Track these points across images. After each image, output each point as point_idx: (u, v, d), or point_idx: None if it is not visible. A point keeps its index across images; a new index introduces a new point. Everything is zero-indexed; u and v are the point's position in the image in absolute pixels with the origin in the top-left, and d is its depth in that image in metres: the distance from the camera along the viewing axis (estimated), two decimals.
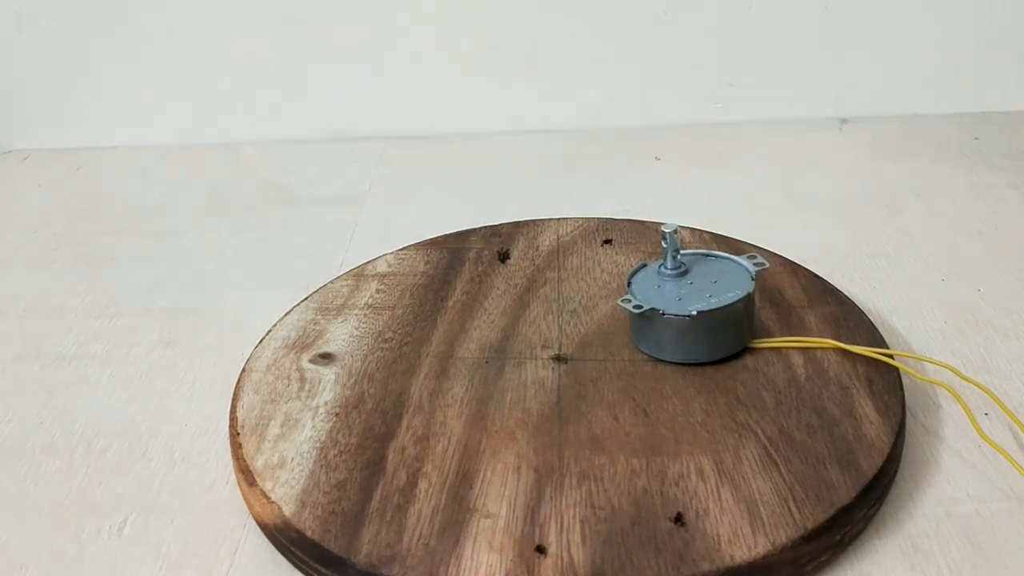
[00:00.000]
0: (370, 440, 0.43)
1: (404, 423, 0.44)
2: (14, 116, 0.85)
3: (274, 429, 0.44)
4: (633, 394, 0.45)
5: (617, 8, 0.79)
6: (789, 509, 0.37)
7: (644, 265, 0.49)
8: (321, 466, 0.41)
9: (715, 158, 0.76)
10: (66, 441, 0.48)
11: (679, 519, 0.37)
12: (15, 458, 0.47)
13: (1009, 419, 0.44)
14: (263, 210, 0.72)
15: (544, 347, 0.49)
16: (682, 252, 0.49)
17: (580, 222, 0.61)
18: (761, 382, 0.45)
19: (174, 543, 0.41)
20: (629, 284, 0.48)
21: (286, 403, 0.46)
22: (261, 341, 0.51)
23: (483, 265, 0.57)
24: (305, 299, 0.54)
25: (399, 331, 0.51)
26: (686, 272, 0.48)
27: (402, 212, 0.70)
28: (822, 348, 0.47)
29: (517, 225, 0.61)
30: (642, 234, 0.59)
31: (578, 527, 0.37)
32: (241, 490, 0.42)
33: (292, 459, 0.42)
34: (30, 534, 0.42)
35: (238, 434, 0.44)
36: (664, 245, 0.48)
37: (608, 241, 0.59)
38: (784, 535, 0.36)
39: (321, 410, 0.45)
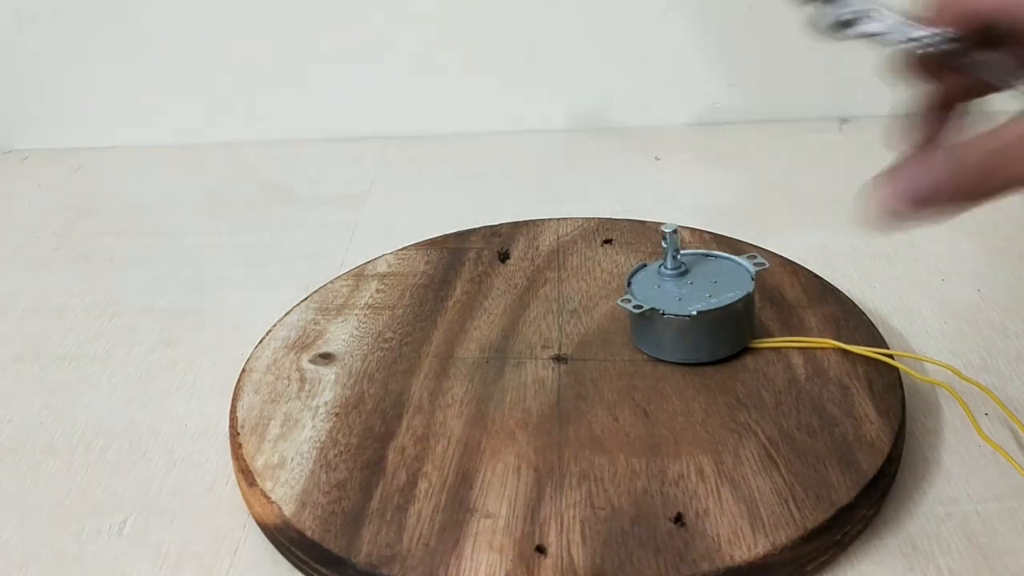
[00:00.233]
0: (370, 440, 0.43)
1: (404, 423, 0.44)
2: (14, 116, 0.86)
3: (274, 429, 0.44)
4: (633, 394, 0.45)
5: (617, 8, 0.79)
6: (789, 509, 0.37)
7: (644, 265, 0.49)
8: (321, 466, 0.41)
9: (715, 158, 0.76)
10: (66, 441, 0.48)
11: (679, 519, 0.37)
12: (15, 458, 0.47)
13: (1009, 419, 0.44)
14: (263, 210, 0.72)
15: (544, 347, 0.49)
16: (682, 252, 0.48)
17: (580, 222, 0.61)
18: (761, 382, 0.45)
19: (174, 543, 0.41)
20: (629, 284, 0.48)
21: (286, 403, 0.46)
22: (261, 341, 0.51)
23: (483, 265, 0.57)
24: (305, 299, 0.54)
25: (399, 331, 0.51)
26: (686, 272, 0.48)
27: (402, 212, 0.71)
28: (822, 348, 0.47)
29: (517, 225, 0.61)
30: (642, 234, 0.59)
31: (578, 527, 0.37)
32: (241, 490, 0.42)
33: (292, 459, 0.42)
34: (30, 534, 0.42)
35: (238, 434, 0.44)
36: (664, 245, 0.47)
37: (608, 241, 0.59)
38: (784, 535, 0.36)
39: (321, 410, 0.45)
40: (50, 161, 0.83)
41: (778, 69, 0.80)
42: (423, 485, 0.40)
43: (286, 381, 0.47)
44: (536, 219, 0.62)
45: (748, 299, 0.46)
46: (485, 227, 0.61)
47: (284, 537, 0.39)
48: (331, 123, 0.84)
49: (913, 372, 0.46)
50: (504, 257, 0.58)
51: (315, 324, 0.52)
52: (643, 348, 0.47)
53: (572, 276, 0.55)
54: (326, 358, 0.49)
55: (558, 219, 0.62)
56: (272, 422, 0.44)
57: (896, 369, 0.46)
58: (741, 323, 0.46)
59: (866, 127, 0.79)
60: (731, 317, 0.45)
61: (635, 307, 0.46)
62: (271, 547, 0.40)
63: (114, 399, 0.51)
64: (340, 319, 0.52)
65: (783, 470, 0.39)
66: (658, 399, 0.44)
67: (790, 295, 0.52)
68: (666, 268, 0.48)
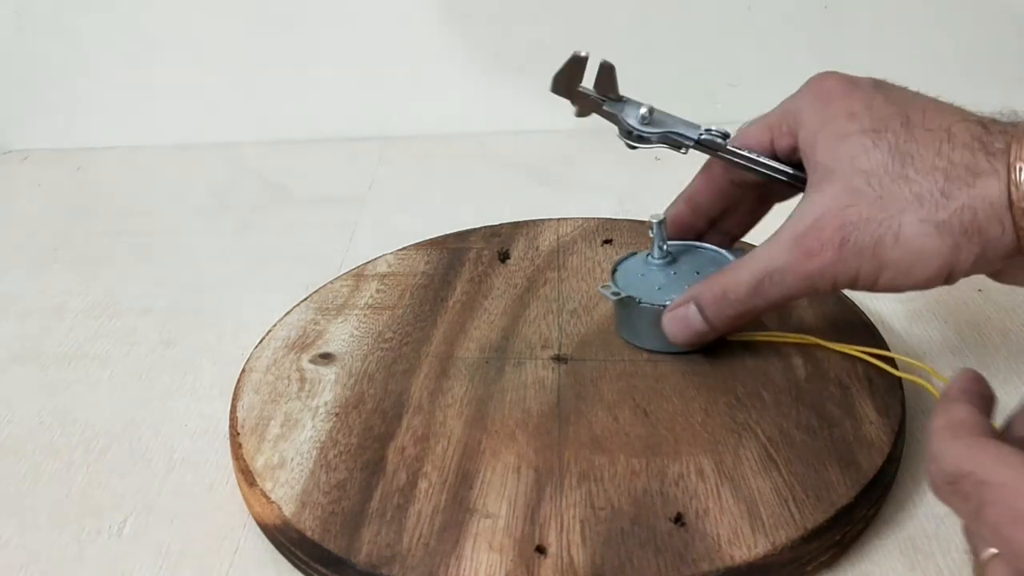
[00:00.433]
0: (370, 440, 0.43)
1: (404, 423, 0.44)
2: (14, 116, 0.86)
3: (274, 429, 0.44)
4: (633, 394, 0.45)
5: (617, 8, 0.79)
6: (789, 509, 0.37)
7: (633, 254, 0.50)
8: (321, 466, 0.41)
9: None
10: (66, 441, 0.48)
11: (679, 519, 0.37)
12: (15, 458, 0.47)
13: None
14: (263, 210, 0.72)
15: (544, 347, 0.49)
16: (671, 243, 0.49)
17: (580, 222, 0.61)
18: (761, 382, 0.45)
19: (174, 543, 0.41)
20: (614, 272, 0.49)
21: (286, 403, 0.46)
22: (261, 341, 0.51)
23: (483, 265, 0.57)
24: (305, 299, 0.54)
25: (399, 331, 0.51)
26: (672, 262, 0.48)
27: (402, 212, 0.71)
28: (802, 343, 0.47)
29: (517, 225, 0.61)
30: (642, 234, 0.59)
31: (578, 527, 0.37)
32: (241, 490, 0.42)
33: (292, 459, 0.42)
34: (30, 534, 0.42)
35: (238, 434, 0.44)
36: (651, 234, 0.48)
37: (608, 241, 0.59)
38: (784, 535, 0.36)
39: (321, 410, 0.45)
40: (50, 161, 0.83)
41: (778, 69, 0.80)
42: (423, 485, 0.40)
43: (286, 381, 0.47)
44: (536, 219, 0.62)
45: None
46: (485, 227, 0.61)
47: (284, 537, 0.39)
48: (331, 123, 0.84)
49: (888, 368, 0.45)
50: (504, 257, 0.58)
51: (315, 324, 0.52)
52: (623, 335, 0.48)
53: (572, 276, 0.55)
54: (326, 358, 0.49)
55: (558, 219, 0.62)
56: (272, 422, 0.44)
57: (896, 369, 0.46)
58: None
59: None
60: None
61: (613, 294, 0.46)
62: (271, 547, 0.40)
63: (114, 399, 0.51)
64: (340, 319, 0.52)
65: (783, 470, 0.39)
66: (658, 399, 0.44)
67: None
68: (652, 258, 0.48)
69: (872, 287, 0.40)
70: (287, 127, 0.84)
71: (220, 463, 0.45)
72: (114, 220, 0.72)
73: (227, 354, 0.52)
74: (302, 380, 0.47)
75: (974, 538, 0.30)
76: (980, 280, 0.56)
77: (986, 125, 0.38)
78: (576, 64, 0.47)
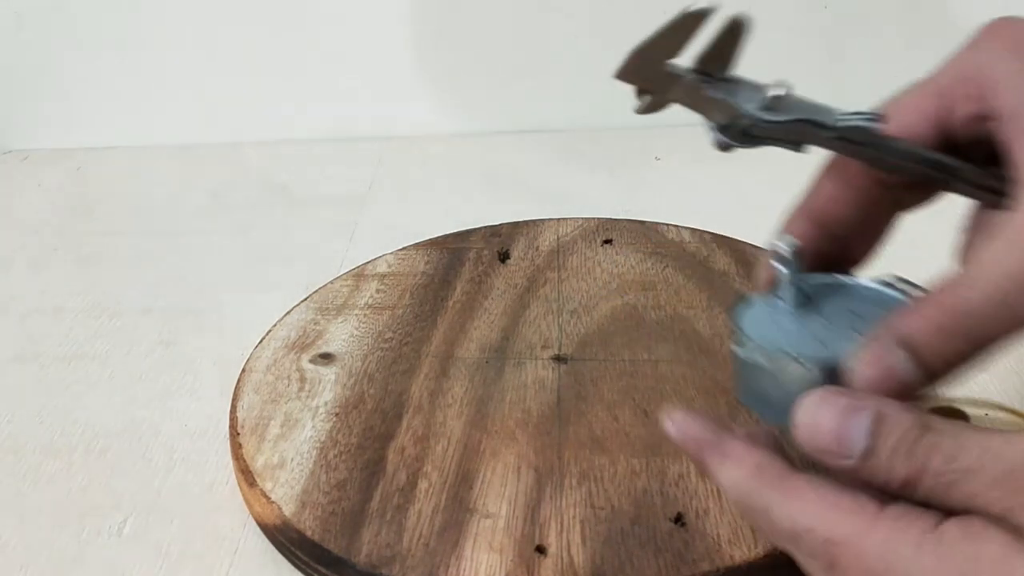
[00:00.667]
0: (370, 440, 0.43)
1: (404, 423, 0.44)
2: (14, 116, 0.85)
3: (274, 429, 0.44)
4: (633, 394, 0.45)
5: (617, 8, 0.79)
6: None
7: (747, 300, 0.34)
8: (321, 466, 0.41)
9: (715, 158, 0.76)
10: (66, 441, 0.48)
11: (679, 519, 0.37)
12: (15, 458, 0.47)
13: (1010, 420, 0.44)
14: (263, 210, 0.72)
15: (544, 347, 0.49)
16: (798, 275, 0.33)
17: (580, 222, 0.61)
18: None
19: (174, 543, 0.41)
20: (738, 326, 0.32)
21: (286, 403, 0.46)
22: (261, 341, 0.51)
23: (483, 265, 0.57)
24: (305, 299, 0.54)
25: (399, 331, 0.51)
26: (811, 305, 0.33)
27: (402, 212, 0.70)
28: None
29: (517, 225, 0.61)
30: (642, 234, 0.59)
31: (578, 527, 0.37)
32: (241, 490, 0.42)
33: (292, 459, 0.42)
34: (30, 534, 0.42)
35: (238, 434, 0.44)
36: (780, 269, 0.32)
37: (608, 241, 0.59)
38: None
39: (321, 410, 0.45)
40: (50, 161, 0.83)
41: (778, 69, 0.80)
42: (423, 485, 0.40)
43: (286, 381, 0.47)
44: (536, 219, 0.62)
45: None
46: (485, 227, 0.61)
47: (284, 537, 0.39)
48: (331, 123, 0.84)
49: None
50: (504, 257, 0.58)
51: (315, 324, 0.52)
52: (755, 407, 0.33)
53: (572, 276, 0.55)
54: (326, 358, 0.49)
55: (558, 219, 0.62)
56: (272, 422, 0.44)
57: None
58: None
59: None
60: None
61: (755, 351, 0.31)
62: (271, 547, 0.40)
63: (114, 399, 0.51)
64: (340, 319, 0.52)
65: None
66: (658, 399, 0.44)
67: None
68: (783, 301, 0.33)
69: None
70: (287, 127, 0.84)
71: (220, 463, 0.45)
72: (114, 220, 0.72)
73: (227, 354, 0.52)
74: (302, 380, 0.47)
75: None
76: None
77: None
78: (685, 24, 0.35)
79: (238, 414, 0.45)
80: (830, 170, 0.34)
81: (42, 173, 0.81)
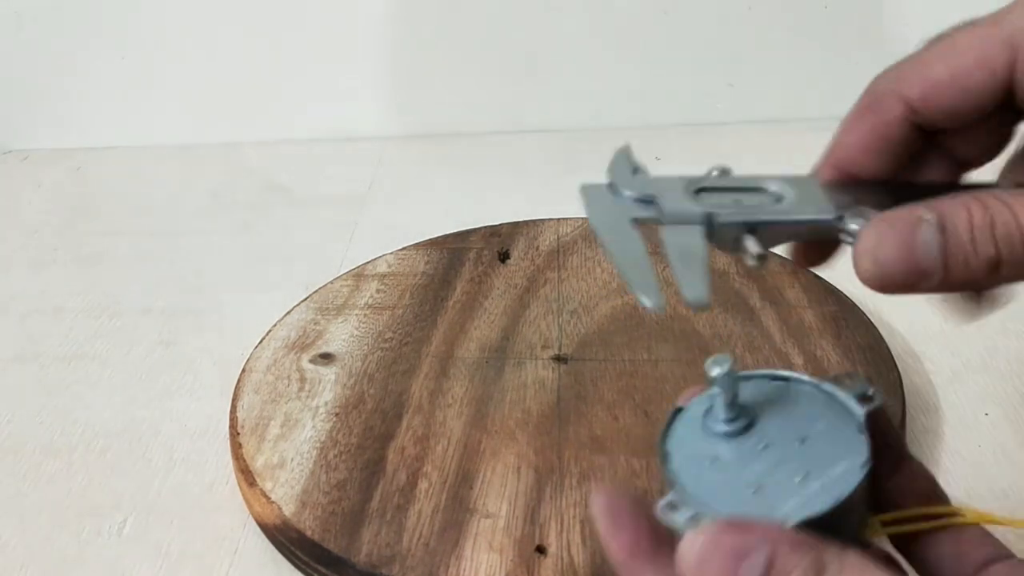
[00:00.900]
0: (370, 440, 0.43)
1: (404, 423, 0.44)
2: (14, 116, 0.85)
3: (274, 429, 0.44)
4: (633, 394, 0.45)
5: (617, 8, 0.79)
6: None
7: (679, 411, 0.28)
8: (321, 466, 0.41)
9: (715, 158, 0.76)
10: (66, 441, 0.48)
11: None
12: (15, 458, 0.47)
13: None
14: (263, 210, 0.72)
15: (544, 347, 0.49)
16: (743, 375, 0.28)
17: (580, 222, 0.61)
18: None
19: (174, 543, 0.41)
20: (665, 456, 0.27)
21: (286, 403, 0.46)
22: (261, 341, 0.51)
23: (483, 265, 0.57)
24: (305, 299, 0.54)
25: (399, 331, 0.51)
26: (750, 426, 0.27)
27: (402, 212, 0.70)
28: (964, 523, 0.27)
29: (517, 225, 0.61)
30: (642, 234, 0.59)
31: (578, 527, 0.37)
32: (241, 490, 0.42)
33: (292, 459, 0.42)
34: (30, 534, 0.42)
35: (238, 434, 0.44)
36: (715, 390, 0.27)
37: None
38: None
39: (321, 410, 0.45)
40: (50, 161, 0.83)
41: (778, 69, 0.80)
42: (423, 485, 0.40)
43: (286, 381, 0.47)
44: (536, 219, 0.62)
45: (868, 474, 0.25)
46: (485, 227, 0.61)
47: (284, 537, 0.39)
48: (331, 123, 0.84)
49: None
50: (504, 257, 0.58)
51: (315, 324, 0.52)
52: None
53: (572, 276, 0.55)
54: (326, 358, 0.49)
55: (558, 219, 0.62)
56: (272, 422, 0.44)
57: (896, 369, 0.46)
58: (855, 511, 0.26)
59: None
60: (844, 513, 0.25)
61: (688, 518, 0.24)
62: (271, 547, 0.40)
63: (114, 399, 0.51)
64: (340, 319, 0.52)
65: None
66: (658, 399, 0.44)
67: (790, 295, 0.52)
68: (719, 422, 0.27)
69: None
70: (287, 127, 0.84)
71: (220, 463, 0.45)
72: (114, 220, 0.72)
73: (227, 354, 0.52)
74: (302, 380, 0.47)
75: None
76: None
77: None
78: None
79: (238, 414, 0.45)
80: (859, 112, 0.29)
81: (42, 173, 0.81)
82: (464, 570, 0.36)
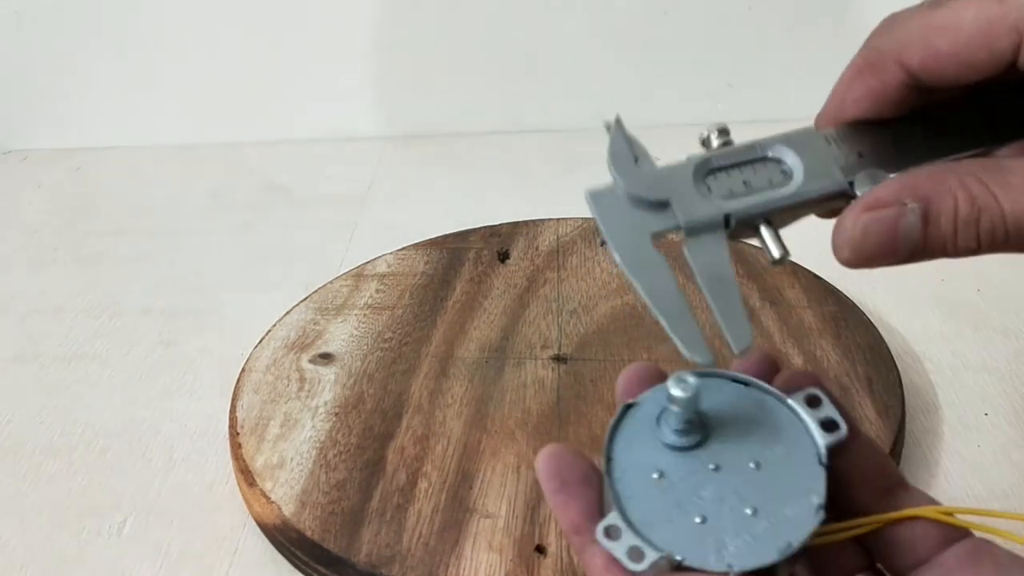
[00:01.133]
0: (370, 440, 0.43)
1: (404, 423, 0.44)
2: (14, 116, 0.85)
3: (274, 429, 0.44)
4: None
5: (617, 8, 0.79)
6: None
7: (630, 407, 0.27)
8: (321, 466, 0.41)
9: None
10: (66, 441, 0.48)
11: None
12: (15, 458, 0.47)
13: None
14: (263, 210, 0.72)
15: (544, 347, 0.49)
16: (693, 376, 0.25)
17: (580, 222, 0.61)
18: None
19: (174, 543, 0.41)
20: (610, 461, 0.25)
21: (286, 403, 0.46)
22: (261, 341, 0.51)
23: (483, 265, 0.57)
24: (305, 299, 0.54)
25: (399, 331, 0.51)
26: (702, 442, 0.26)
27: (402, 212, 0.70)
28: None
29: (517, 225, 0.61)
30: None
31: None
32: (241, 490, 0.42)
33: (292, 459, 0.42)
34: (30, 534, 0.42)
35: (238, 434, 0.44)
36: (669, 403, 0.25)
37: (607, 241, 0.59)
38: None
39: (321, 410, 0.45)
40: (50, 161, 0.83)
41: (778, 69, 0.80)
42: (423, 485, 0.40)
43: (286, 381, 0.47)
44: (536, 219, 0.62)
45: (820, 522, 0.24)
46: (485, 227, 0.61)
47: (284, 537, 0.39)
48: (331, 123, 0.84)
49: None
50: (504, 257, 0.58)
51: (315, 324, 0.52)
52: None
53: (572, 276, 0.55)
54: (326, 358, 0.49)
55: (558, 219, 0.62)
56: (272, 422, 0.44)
57: (896, 369, 0.46)
58: (798, 555, 0.24)
59: None
60: (790, 559, 0.24)
61: (627, 550, 0.23)
62: (271, 547, 0.40)
63: (114, 399, 0.51)
64: (340, 319, 0.52)
65: None
66: None
67: (790, 295, 0.52)
68: (669, 433, 0.26)
69: None
70: (287, 127, 0.84)
71: (220, 463, 0.45)
72: (114, 220, 0.72)
73: (227, 354, 0.52)
74: (302, 380, 0.47)
75: None
76: (980, 280, 0.57)
77: None
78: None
79: (238, 414, 0.45)
80: (860, 73, 0.28)
81: (42, 173, 0.81)
82: (464, 570, 0.36)
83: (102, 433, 0.48)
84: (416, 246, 0.60)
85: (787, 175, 0.27)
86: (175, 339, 0.56)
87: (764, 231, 0.27)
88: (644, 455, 0.26)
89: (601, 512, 0.25)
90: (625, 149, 0.28)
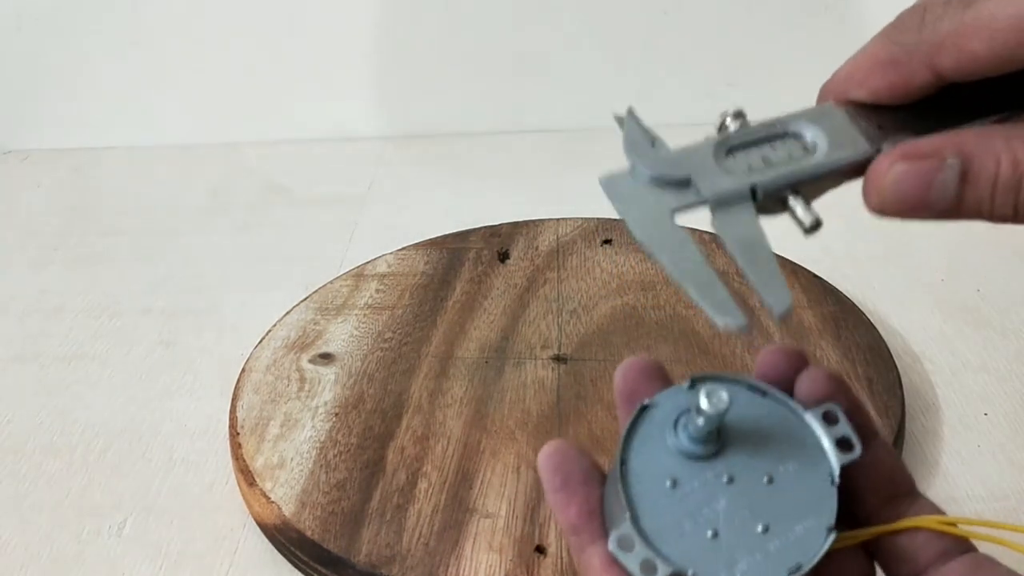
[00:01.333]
0: (370, 440, 0.43)
1: (404, 423, 0.44)
2: (14, 116, 0.85)
3: (274, 429, 0.44)
4: None
5: (617, 8, 0.79)
6: None
7: (645, 408, 0.27)
8: (321, 466, 0.41)
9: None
10: (66, 441, 0.48)
11: None
12: (15, 458, 0.47)
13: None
14: (263, 210, 0.72)
15: (544, 347, 0.49)
16: (708, 378, 0.27)
17: (580, 222, 0.61)
18: None
19: (174, 543, 0.41)
20: (624, 465, 0.26)
21: (286, 403, 0.46)
22: (261, 341, 0.51)
23: (483, 265, 0.57)
24: (305, 299, 0.54)
25: (399, 331, 0.51)
26: (718, 452, 0.25)
27: (402, 212, 0.70)
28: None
29: (517, 225, 0.61)
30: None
31: None
32: (241, 490, 0.42)
33: (292, 459, 0.42)
34: (30, 534, 0.42)
35: (238, 434, 0.44)
36: (695, 414, 0.25)
37: (608, 241, 0.59)
38: None
39: (321, 410, 0.45)
40: (50, 161, 0.83)
41: (778, 69, 0.80)
42: (423, 485, 0.40)
43: (286, 381, 0.47)
44: (536, 219, 0.62)
45: (831, 543, 0.24)
46: (485, 227, 0.61)
47: (284, 537, 0.39)
48: (331, 123, 0.84)
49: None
50: (504, 257, 0.58)
51: (315, 324, 0.52)
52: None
53: (572, 276, 0.55)
54: (326, 358, 0.49)
55: (558, 219, 0.62)
56: (272, 422, 0.44)
57: (896, 369, 0.46)
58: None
59: None
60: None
61: (640, 563, 0.23)
62: (271, 547, 0.40)
63: (114, 399, 0.51)
64: (340, 319, 0.52)
65: None
66: None
67: None
68: (688, 441, 0.25)
69: None
70: (287, 127, 0.84)
71: (220, 463, 0.45)
72: (114, 220, 0.72)
73: (227, 354, 0.52)
74: (302, 380, 0.47)
75: None
76: (980, 280, 0.57)
77: None
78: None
79: (238, 414, 0.45)
80: (883, 67, 0.26)
81: (42, 173, 0.81)
82: (464, 570, 0.36)
83: (102, 433, 0.48)
84: (416, 246, 0.60)
85: (810, 149, 0.26)
86: (175, 339, 0.56)
87: (793, 201, 0.26)
88: (658, 461, 0.25)
89: (601, 512, 0.25)
90: (641, 136, 0.28)
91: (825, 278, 0.53)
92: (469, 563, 0.36)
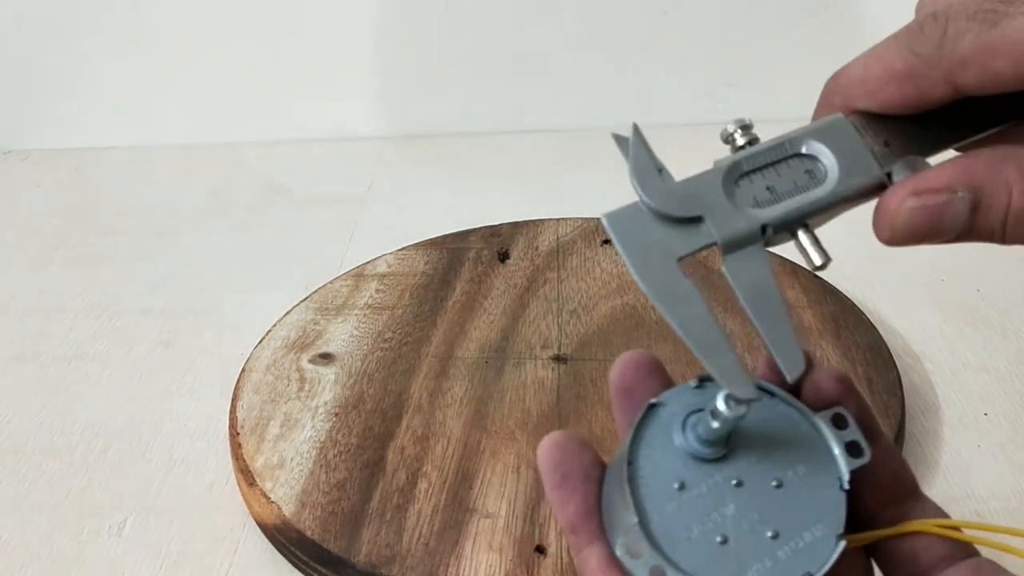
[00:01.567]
0: (370, 440, 0.43)
1: (404, 423, 0.44)
2: (14, 116, 0.85)
3: (274, 429, 0.44)
4: None
5: (617, 8, 0.79)
6: None
7: (652, 407, 0.26)
8: (321, 466, 0.41)
9: (713, 157, 0.76)
10: (66, 441, 0.48)
11: None
12: (15, 458, 0.47)
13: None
14: (263, 210, 0.72)
15: (544, 347, 0.49)
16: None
17: (580, 222, 0.61)
18: None
19: (174, 543, 0.41)
20: (632, 465, 0.25)
21: (286, 403, 0.46)
22: (261, 341, 0.51)
23: (483, 265, 0.57)
24: (305, 299, 0.54)
25: (399, 331, 0.51)
26: (726, 455, 0.25)
27: (402, 212, 0.70)
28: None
29: (517, 225, 0.61)
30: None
31: None
32: (241, 490, 0.42)
33: (292, 459, 0.42)
34: (30, 534, 0.42)
35: (238, 434, 0.44)
36: (710, 417, 0.24)
37: (608, 241, 0.59)
38: None
39: (321, 410, 0.45)
40: (50, 161, 0.83)
41: (778, 69, 0.80)
42: (423, 485, 0.40)
43: (286, 381, 0.47)
44: (536, 219, 0.62)
45: (840, 552, 0.23)
46: (485, 227, 0.61)
47: (284, 537, 0.39)
48: (331, 123, 0.84)
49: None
50: (504, 257, 0.58)
51: (315, 324, 0.52)
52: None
53: (572, 276, 0.55)
54: (326, 358, 0.49)
55: (558, 219, 0.62)
56: (272, 422, 0.44)
57: (895, 369, 0.46)
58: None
59: None
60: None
61: (649, 570, 0.23)
62: (271, 547, 0.40)
63: (114, 399, 0.51)
64: (340, 319, 0.52)
65: None
66: None
67: (790, 295, 0.52)
68: (696, 442, 0.25)
69: None
70: (287, 127, 0.84)
71: (220, 463, 0.45)
72: (114, 220, 0.72)
73: (227, 354, 0.52)
74: (302, 380, 0.47)
75: None
76: (980, 280, 0.57)
77: None
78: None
79: (238, 414, 0.45)
80: (898, 80, 0.26)
81: (42, 173, 0.81)
82: (464, 570, 0.36)
83: (102, 433, 0.48)
84: (416, 246, 0.60)
85: (821, 172, 0.26)
86: (175, 339, 0.56)
87: (803, 237, 0.25)
88: (666, 462, 0.25)
89: (600, 510, 0.25)
90: (648, 163, 0.26)
91: (825, 278, 0.53)
92: (469, 563, 0.36)
